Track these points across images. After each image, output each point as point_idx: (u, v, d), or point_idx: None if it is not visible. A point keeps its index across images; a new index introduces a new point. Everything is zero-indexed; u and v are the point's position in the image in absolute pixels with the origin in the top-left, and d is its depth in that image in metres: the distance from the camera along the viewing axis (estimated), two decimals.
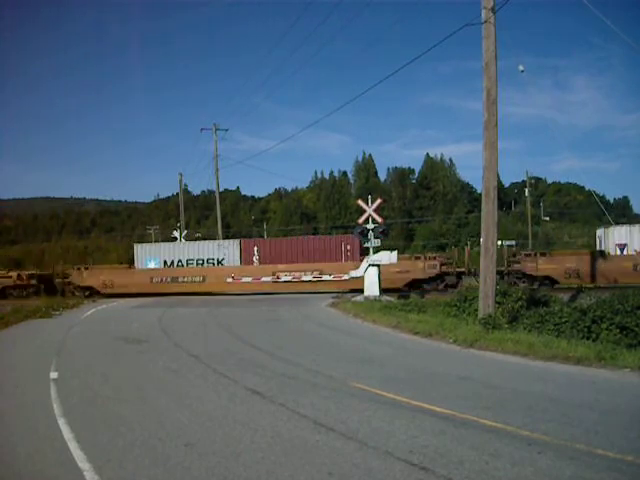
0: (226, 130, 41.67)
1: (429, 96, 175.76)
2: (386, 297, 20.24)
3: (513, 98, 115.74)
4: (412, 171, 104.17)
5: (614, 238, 26.14)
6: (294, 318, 16.68)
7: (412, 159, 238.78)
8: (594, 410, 6.06)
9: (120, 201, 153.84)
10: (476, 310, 12.98)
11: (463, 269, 26.67)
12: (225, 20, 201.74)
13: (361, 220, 21.34)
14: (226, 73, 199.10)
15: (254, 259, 27.84)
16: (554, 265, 25.02)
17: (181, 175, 52.73)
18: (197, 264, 28.62)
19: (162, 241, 49.93)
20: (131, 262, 30.85)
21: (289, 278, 26.56)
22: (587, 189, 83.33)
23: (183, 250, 29.45)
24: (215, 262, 28.50)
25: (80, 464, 4.78)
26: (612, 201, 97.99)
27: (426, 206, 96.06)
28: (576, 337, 10.29)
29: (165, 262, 29.10)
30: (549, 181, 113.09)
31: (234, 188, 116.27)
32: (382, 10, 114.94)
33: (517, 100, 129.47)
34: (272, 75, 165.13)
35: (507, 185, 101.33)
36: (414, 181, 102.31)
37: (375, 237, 20.79)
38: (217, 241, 30.77)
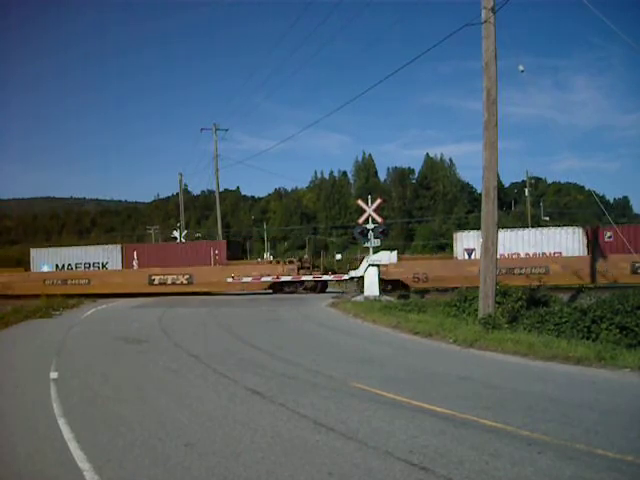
0: (226, 130, 41.69)
1: (429, 96, 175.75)
2: (386, 297, 20.27)
3: (513, 98, 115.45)
4: (412, 171, 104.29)
5: (463, 243, 27.01)
6: (294, 318, 16.68)
7: (412, 159, 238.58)
8: (594, 410, 6.06)
9: (120, 201, 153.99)
10: (476, 310, 12.98)
11: (318, 273, 28.13)
12: (225, 20, 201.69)
13: (361, 220, 21.36)
14: (226, 73, 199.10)
15: (134, 263, 29.77)
16: (403, 270, 26.43)
17: (181, 175, 52.69)
18: (85, 267, 30.49)
19: (163, 241, 49.99)
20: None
21: (169, 281, 28.62)
22: (587, 189, 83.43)
23: (73, 254, 31.19)
24: (100, 265, 30.41)
25: (80, 464, 4.77)
26: (612, 201, 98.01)
27: (426, 206, 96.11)
28: (576, 337, 10.29)
29: (57, 265, 30.86)
30: (549, 181, 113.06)
31: (234, 188, 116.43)
32: (382, 10, 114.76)
33: (517, 100, 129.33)
34: (272, 75, 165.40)
35: (507, 185, 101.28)
36: (414, 181, 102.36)
37: (375, 237, 20.81)
38: (102, 246, 32.74)
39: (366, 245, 21.17)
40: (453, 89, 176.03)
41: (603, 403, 6.38)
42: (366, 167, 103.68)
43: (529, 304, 13.48)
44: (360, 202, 22.06)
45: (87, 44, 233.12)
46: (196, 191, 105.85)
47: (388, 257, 21.40)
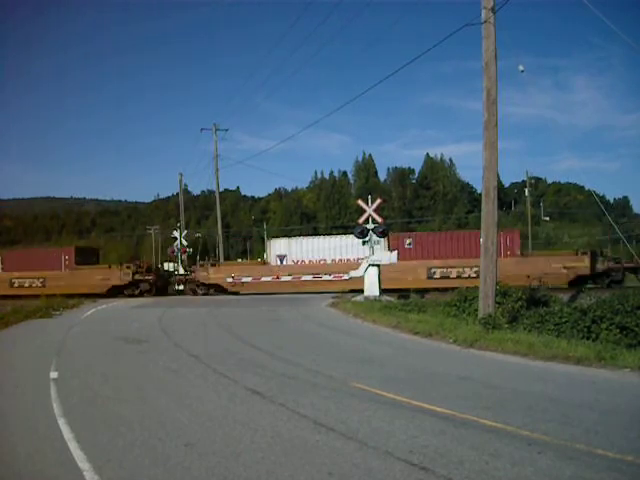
0: (226, 130, 41.68)
1: (429, 96, 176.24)
2: (386, 297, 20.25)
3: (513, 98, 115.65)
4: (412, 171, 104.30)
5: (275, 249, 28.17)
6: (294, 318, 16.68)
7: (412, 159, 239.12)
8: (594, 410, 6.05)
9: (120, 201, 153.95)
10: (476, 310, 12.98)
11: (151, 277, 29.89)
12: (225, 20, 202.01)
13: (361, 220, 21.34)
14: (226, 73, 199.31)
15: None
16: (221, 275, 28.20)
17: (181, 175, 52.63)
18: None
19: (162, 241, 49.92)
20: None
21: (27, 284, 30.55)
22: (587, 189, 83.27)
23: None
24: None
25: (80, 464, 4.77)
26: (612, 201, 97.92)
27: (426, 206, 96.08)
28: (576, 337, 10.29)
29: None
30: (549, 181, 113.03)
31: (234, 188, 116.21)
32: (382, 10, 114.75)
33: (517, 100, 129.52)
34: (272, 75, 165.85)
35: (507, 185, 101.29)
36: (414, 181, 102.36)
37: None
38: None
39: (366, 245, 21.14)
40: (453, 89, 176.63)
41: (603, 403, 6.38)
42: (366, 167, 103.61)
43: (529, 304, 13.49)
44: (360, 202, 22.03)
45: (87, 44, 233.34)
46: (196, 191, 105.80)
47: (388, 257, 21.37)
